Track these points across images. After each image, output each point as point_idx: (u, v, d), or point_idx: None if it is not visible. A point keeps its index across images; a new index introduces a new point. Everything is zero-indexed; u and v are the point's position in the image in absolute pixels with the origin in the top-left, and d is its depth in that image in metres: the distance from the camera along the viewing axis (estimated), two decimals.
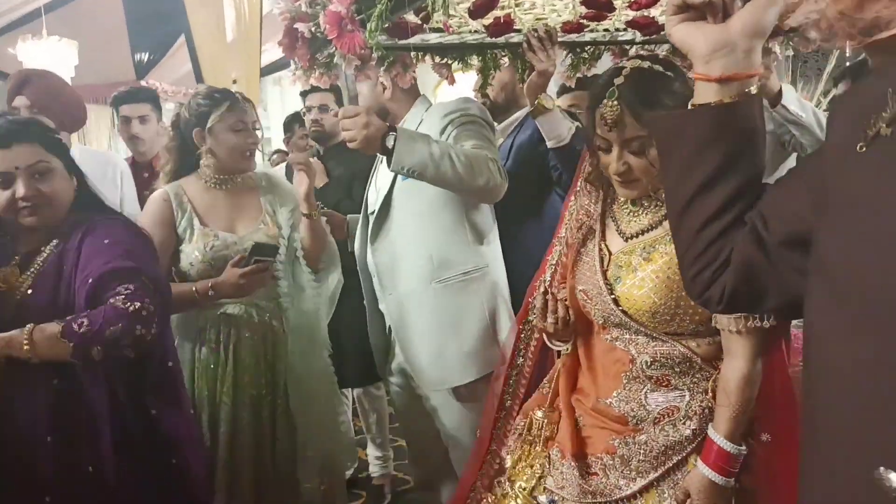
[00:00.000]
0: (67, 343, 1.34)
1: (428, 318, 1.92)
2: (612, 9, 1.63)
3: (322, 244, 2.03)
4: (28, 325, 1.37)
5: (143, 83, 7.06)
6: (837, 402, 0.67)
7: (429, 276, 1.91)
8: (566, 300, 1.39)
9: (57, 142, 1.58)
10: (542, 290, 1.40)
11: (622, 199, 1.35)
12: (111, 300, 1.41)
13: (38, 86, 2.39)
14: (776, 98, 1.97)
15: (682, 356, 1.26)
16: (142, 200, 2.40)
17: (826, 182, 0.71)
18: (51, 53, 5.04)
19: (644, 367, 1.29)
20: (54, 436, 1.43)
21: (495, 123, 2.09)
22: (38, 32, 5.08)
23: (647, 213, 1.31)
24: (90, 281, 1.44)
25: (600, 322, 1.34)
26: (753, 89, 0.79)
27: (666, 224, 1.24)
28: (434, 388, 1.96)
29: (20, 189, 1.47)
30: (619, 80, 1.20)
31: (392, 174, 1.89)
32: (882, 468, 0.58)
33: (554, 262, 1.48)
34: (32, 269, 1.52)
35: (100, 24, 5.81)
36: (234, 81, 5.75)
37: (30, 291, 1.49)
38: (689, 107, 0.81)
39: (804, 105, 2.02)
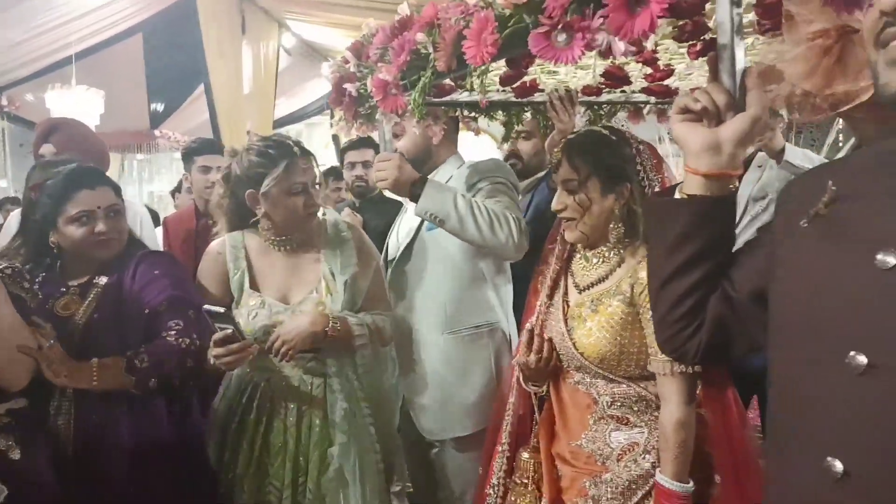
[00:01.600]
0: (130, 377, 1.57)
1: (435, 368, 1.97)
2: (629, 83, 1.81)
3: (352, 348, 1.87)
4: (94, 360, 1.57)
5: (156, 132, 7.35)
6: (789, 409, 0.84)
7: (441, 327, 1.97)
8: (549, 340, 1.51)
9: (119, 188, 1.80)
10: (528, 327, 1.54)
11: (577, 255, 1.53)
12: (165, 335, 1.62)
13: (64, 134, 2.56)
14: (780, 155, 2.14)
15: (637, 395, 1.40)
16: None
17: (775, 249, 0.90)
18: (79, 102, 5.29)
19: (605, 406, 1.43)
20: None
21: (519, 183, 2.23)
22: (66, 81, 5.30)
23: (595, 268, 1.47)
24: (146, 311, 1.66)
25: (565, 366, 1.49)
26: (732, 187, 0.95)
27: (611, 278, 1.43)
28: (435, 436, 2.01)
29: (101, 225, 1.70)
30: (570, 137, 1.47)
31: (416, 225, 2.01)
32: (829, 457, 0.75)
33: (540, 304, 1.58)
34: (91, 297, 1.70)
35: (119, 74, 6.07)
36: (248, 132, 6.00)
37: (96, 316, 1.67)
38: (678, 194, 0.97)
39: (810, 156, 2.19)
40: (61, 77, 5.56)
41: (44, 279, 1.74)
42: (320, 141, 7.69)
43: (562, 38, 1.03)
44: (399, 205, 2.30)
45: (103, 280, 1.73)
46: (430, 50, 1.34)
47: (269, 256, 1.86)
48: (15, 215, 2.55)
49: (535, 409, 1.59)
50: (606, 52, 1.04)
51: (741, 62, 0.95)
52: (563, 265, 1.56)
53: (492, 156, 2.45)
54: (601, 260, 1.46)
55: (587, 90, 1.87)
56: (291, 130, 8.21)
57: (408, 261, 2.05)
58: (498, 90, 1.81)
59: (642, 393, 1.40)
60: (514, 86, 1.79)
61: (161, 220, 3.35)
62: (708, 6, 1.21)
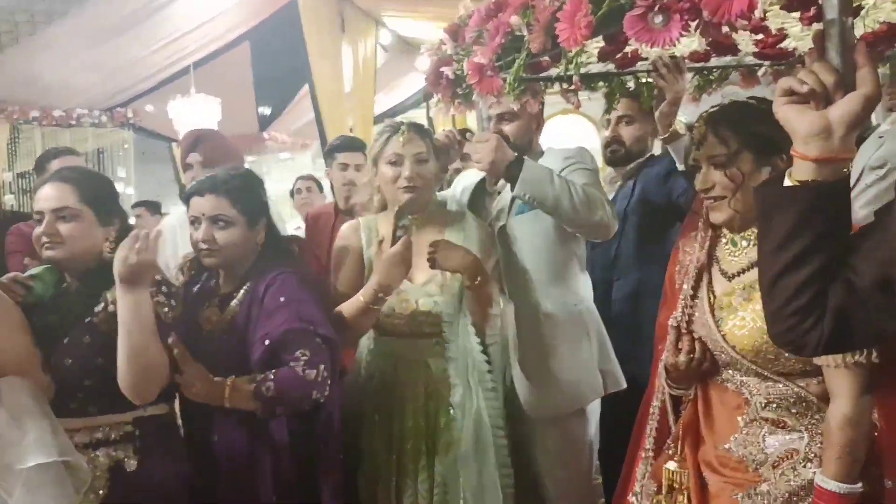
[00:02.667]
0: (257, 402, 1.61)
1: (539, 350, 2.03)
2: (736, 52, 1.79)
3: (485, 319, 1.94)
4: (230, 379, 1.62)
5: (264, 135, 7.77)
6: None
7: (540, 307, 2.04)
8: (700, 338, 1.42)
9: (249, 201, 1.79)
10: (674, 324, 1.45)
11: (723, 240, 1.43)
12: (292, 363, 1.63)
13: (208, 144, 2.75)
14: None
15: (796, 396, 1.30)
16: None
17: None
18: (198, 110, 5.67)
19: (759, 408, 1.33)
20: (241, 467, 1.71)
21: (623, 169, 2.38)
22: (185, 91, 5.71)
23: (745, 252, 1.38)
24: (267, 343, 1.67)
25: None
26: (846, 170, 0.91)
27: None
28: (540, 414, 2.05)
29: (198, 233, 1.75)
30: (711, 110, 1.38)
31: (504, 213, 2.06)
32: None
33: (683, 298, 1.50)
34: (228, 312, 1.77)
35: (229, 81, 6.47)
36: (351, 130, 6.23)
37: (225, 332, 1.74)
38: (787, 180, 0.94)
39: None
40: (179, 88, 5.98)
41: (199, 289, 1.85)
42: None
43: (658, 19, 1.01)
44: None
45: (241, 293, 1.77)
46: (525, 32, 1.34)
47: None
48: (168, 221, 2.79)
49: (671, 410, 1.52)
50: (706, 32, 1.02)
51: (851, 35, 0.92)
52: (708, 253, 1.46)
53: (590, 139, 2.46)
54: (751, 243, 1.37)
55: (694, 56, 1.82)
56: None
57: (505, 243, 2.08)
58: (594, 61, 1.80)
59: (801, 393, 1.30)
60: (615, 58, 1.77)
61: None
62: None
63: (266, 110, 7.26)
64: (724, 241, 1.43)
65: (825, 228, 0.92)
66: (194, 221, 1.77)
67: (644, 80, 1.96)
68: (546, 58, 1.61)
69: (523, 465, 2.08)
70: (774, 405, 1.32)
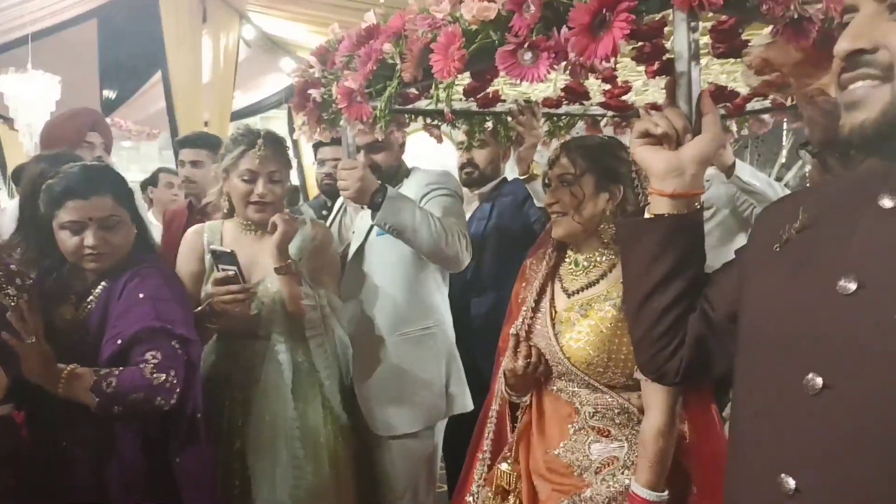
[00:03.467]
0: (94, 397, 1.50)
1: (386, 367, 2.10)
2: (588, 98, 1.98)
3: (296, 306, 1.91)
4: (71, 366, 1.52)
5: (107, 120, 7.25)
6: (749, 426, 0.90)
7: (392, 328, 2.11)
8: (538, 347, 1.52)
9: (128, 194, 1.73)
10: (513, 331, 1.55)
11: (567, 260, 1.57)
12: (140, 364, 1.55)
13: (105, 126, 2.73)
14: (730, 170, 2.34)
15: (620, 407, 1.43)
16: None
17: (747, 272, 0.96)
18: (36, 87, 5.20)
19: (587, 417, 1.45)
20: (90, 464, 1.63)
21: (478, 191, 2.50)
22: (20, 65, 5.23)
23: (585, 273, 1.51)
24: (119, 342, 1.59)
25: (552, 374, 1.51)
26: (697, 204, 1.02)
27: (602, 283, 1.48)
28: (384, 432, 2.12)
29: (89, 239, 1.62)
30: (570, 137, 1.62)
31: (367, 227, 2.12)
32: (783, 474, 0.79)
33: (525, 309, 1.60)
34: (84, 308, 1.68)
35: (72, 60, 6.00)
36: (206, 123, 6.01)
37: (82, 329, 1.65)
38: (647, 213, 1.04)
39: (757, 175, 2.40)
40: (12, 60, 5.46)
41: (54, 282, 1.72)
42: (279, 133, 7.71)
43: (528, 56, 1.07)
44: None
45: (98, 290, 1.69)
46: (397, 60, 1.36)
47: (240, 240, 1.98)
48: (12, 205, 2.61)
49: (509, 418, 1.63)
50: (573, 72, 1.12)
51: (697, 86, 1.01)
52: (551, 271, 1.59)
53: (453, 160, 2.61)
54: (592, 265, 1.50)
55: (547, 102, 2.01)
56: (249, 123, 8.20)
57: (361, 261, 2.16)
58: (461, 99, 1.93)
59: (625, 405, 1.42)
60: (478, 96, 1.92)
61: None
62: (666, 29, 1.36)
63: (111, 94, 6.79)
64: (567, 261, 1.56)
65: (682, 257, 1.01)
66: (72, 226, 1.64)
67: (501, 121, 2.12)
68: (414, 89, 1.71)
69: (367, 469, 2.16)
70: (601, 415, 1.44)
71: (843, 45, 0.78)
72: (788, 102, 1.85)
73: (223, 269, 1.79)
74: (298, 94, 1.74)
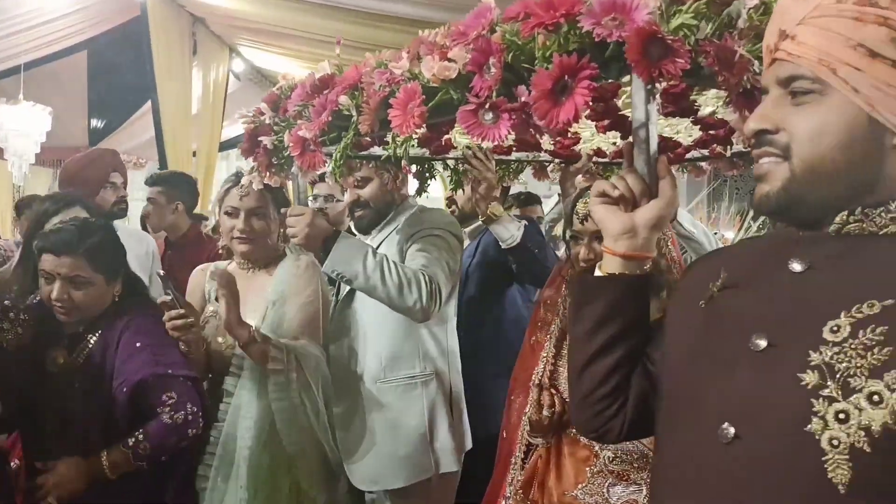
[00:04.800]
0: (140, 463, 1.72)
1: (368, 416, 2.03)
2: (540, 149, 2.06)
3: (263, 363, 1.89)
4: (103, 456, 1.69)
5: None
6: (668, 474, 0.95)
7: (375, 375, 2.04)
8: (561, 394, 1.53)
9: (108, 259, 1.82)
10: (536, 382, 1.57)
11: None
12: (159, 410, 1.72)
13: (123, 165, 2.94)
14: (672, 216, 2.43)
15: (639, 452, 1.45)
16: None
17: (671, 322, 1.02)
18: (26, 118, 5.35)
19: (607, 461, 1.47)
20: None
21: (463, 231, 2.33)
22: (11, 96, 5.38)
23: None
24: (125, 390, 1.73)
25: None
26: (647, 267, 1.04)
27: None
28: (364, 486, 2.07)
29: (54, 292, 1.75)
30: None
31: None
32: (726, 423, 0.84)
33: (545, 355, 1.61)
34: (79, 355, 1.79)
35: (60, 90, 6.16)
36: (194, 154, 6.15)
37: (79, 377, 1.76)
38: (598, 272, 1.06)
39: (696, 224, 2.49)
40: (5, 92, 5.62)
41: (46, 324, 1.82)
42: None
43: (489, 116, 1.08)
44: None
45: (92, 340, 1.81)
46: (353, 112, 1.36)
47: (238, 276, 2.00)
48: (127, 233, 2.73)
49: (521, 460, 1.62)
50: (530, 131, 1.13)
51: (655, 150, 1.04)
52: None
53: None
54: None
55: (498, 149, 2.11)
56: (233, 153, 8.35)
57: (351, 301, 2.10)
58: (413, 146, 1.98)
59: (644, 450, 1.43)
60: (426, 147, 2.00)
61: None
62: (620, 90, 1.41)
63: (99, 124, 6.95)
64: None
65: (631, 318, 1.03)
66: (46, 276, 1.76)
67: (454, 167, 2.18)
68: (367, 138, 1.78)
69: None
70: (620, 459, 1.46)
71: (749, 126, 0.87)
72: (728, 153, 1.96)
73: (166, 293, 1.79)
74: (248, 139, 1.76)
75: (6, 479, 1.74)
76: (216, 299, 1.97)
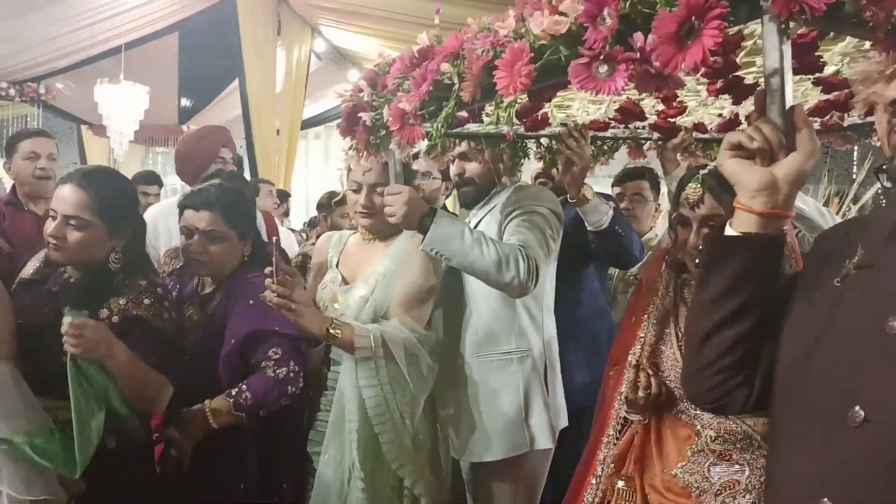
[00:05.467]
0: (240, 414, 1.79)
1: (465, 390, 2.06)
2: (644, 118, 1.98)
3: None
4: (206, 403, 1.79)
5: (183, 128, 7.75)
6: (790, 453, 0.94)
7: (472, 349, 2.06)
8: (657, 374, 1.52)
9: (241, 218, 1.97)
10: (633, 362, 1.55)
11: (693, 282, 1.54)
12: (263, 364, 1.82)
13: (232, 142, 3.04)
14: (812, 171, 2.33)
15: (743, 433, 1.41)
16: None
17: (800, 298, 0.97)
18: (127, 97, 5.72)
19: (708, 440, 1.44)
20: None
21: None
22: (108, 74, 5.70)
23: None
24: (233, 342, 1.85)
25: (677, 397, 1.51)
26: (785, 228, 0.97)
27: None
28: (463, 458, 2.09)
29: (192, 245, 1.90)
30: (703, 171, 1.48)
31: None
32: (825, 498, 0.83)
33: (643, 336, 1.60)
34: (208, 310, 1.95)
35: (153, 70, 6.47)
36: (278, 132, 6.36)
37: (204, 333, 1.90)
38: (728, 229, 0.98)
39: (805, 199, 2.37)
40: (101, 70, 5.93)
41: (183, 290, 2.01)
42: (339, 144, 8.02)
43: (603, 69, 1.03)
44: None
45: (218, 298, 1.95)
46: (455, 80, 1.34)
47: (357, 244, 2.12)
48: (157, 209, 2.92)
49: (620, 434, 1.61)
50: (645, 83, 1.05)
51: (790, 98, 0.94)
52: (676, 294, 1.58)
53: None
54: None
55: (594, 125, 2.09)
56: (311, 133, 8.57)
57: (451, 278, 2.12)
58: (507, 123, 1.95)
59: (749, 431, 1.41)
60: (525, 119, 2.00)
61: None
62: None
63: (188, 103, 7.26)
64: (693, 282, 1.54)
65: (765, 283, 0.96)
66: (186, 231, 1.93)
67: (547, 146, 2.16)
68: (464, 112, 1.78)
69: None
70: (722, 439, 1.43)
71: (891, 94, 0.84)
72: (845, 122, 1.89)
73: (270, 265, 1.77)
74: (347, 118, 1.74)
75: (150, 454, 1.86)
76: (337, 265, 2.08)
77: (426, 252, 1.86)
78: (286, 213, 5.70)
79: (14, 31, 5.63)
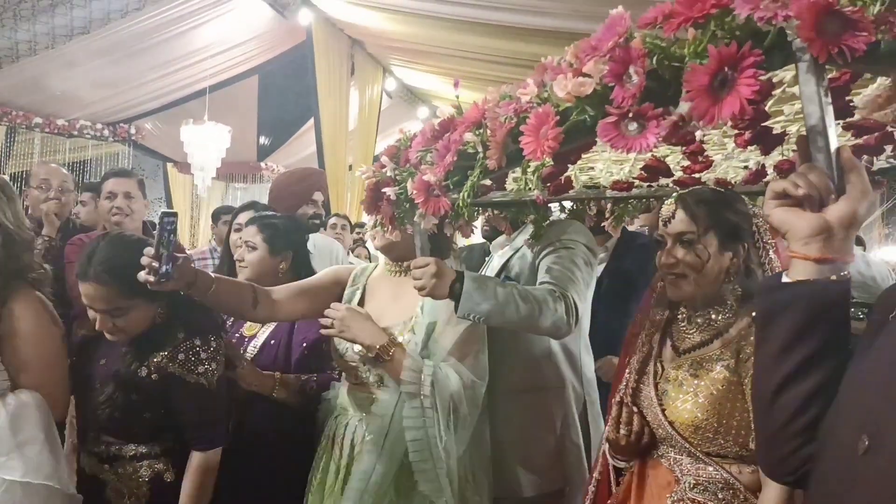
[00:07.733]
0: (299, 397, 2.03)
1: (497, 425, 2.03)
2: (670, 174, 1.96)
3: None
4: (277, 373, 2.02)
5: (262, 164, 8.25)
6: (815, 486, 0.93)
7: (507, 385, 2.02)
8: (642, 412, 1.49)
9: (275, 234, 2.21)
10: (617, 398, 1.51)
11: (679, 317, 1.51)
12: (331, 372, 2.09)
13: (326, 187, 3.27)
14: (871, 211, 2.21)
15: (724, 482, 1.35)
16: None
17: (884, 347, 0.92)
18: (211, 136, 6.19)
19: (687, 488, 1.38)
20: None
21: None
22: (192, 115, 6.23)
23: (699, 331, 1.44)
24: (304, 345, 2.09)
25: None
26: (846, 273, 0.91)
27: (714, 343, 1.40)
28: (498, 494, 2.03)
29: (235, 253, 2.28)
30: (686, 191, 1.51)
31: (498, 267, 2.11)
32: (865, 435, 0.82)
33: (629, 373, 1.56)
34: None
35: (235, 111, 6.98)
36: (350, 168, 6.68)
37: (272, 341, 2.12)
38: (785, 278, 0.95)
39: (871, 262, 2.24)
40: (186, 111, 6.45)
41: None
42: None
43: (633, 126, 1.04)
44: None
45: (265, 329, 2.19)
46: (479, 149, 1.35)
47: (382, 282, 2.03)
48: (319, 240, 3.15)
49: (613, 480, 1.58)
50: (676, 136, 1.08)
51: (834, 141, 0.92)
52: (662, 329, 1.54)
53: None
54: (707, 323, 1.44)
55: (617, 186, 2.14)
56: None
57: None
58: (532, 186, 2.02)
59: (730, 479, 1.34)
60: (549, 184, 2.08)
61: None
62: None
63: (266, 141, 7.73)
64: (680, 317, 1.51)
65: (830, 335, 0.92)
66: (239, 242, 2.28)
67: (570, 209, 2.18)
68: (487, 181, 1.90)
69: None
70: (702, 488, 1.37)
71: None
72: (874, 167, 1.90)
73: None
74: (370, 194, 1.75)
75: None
76: (359, 303, 2.00)
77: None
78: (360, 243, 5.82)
79: (112, 78, 6.25)
